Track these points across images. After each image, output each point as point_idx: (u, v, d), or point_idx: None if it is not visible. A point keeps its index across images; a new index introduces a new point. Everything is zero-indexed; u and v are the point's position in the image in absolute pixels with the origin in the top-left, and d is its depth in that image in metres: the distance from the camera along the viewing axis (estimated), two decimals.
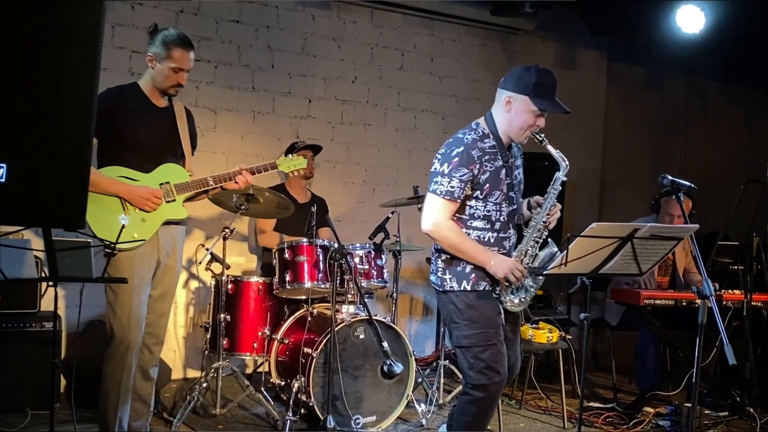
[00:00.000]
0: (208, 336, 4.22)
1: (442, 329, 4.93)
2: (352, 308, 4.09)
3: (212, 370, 4.04)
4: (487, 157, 2.97)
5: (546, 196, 3.05)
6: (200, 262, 4.22)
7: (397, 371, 3.91)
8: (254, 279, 4.27)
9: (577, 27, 6.23)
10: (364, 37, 5.57)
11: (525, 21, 5.88)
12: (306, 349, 3.89)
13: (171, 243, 3.36)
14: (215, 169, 3.74)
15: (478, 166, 2.94)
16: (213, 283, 4.25)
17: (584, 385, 3.43)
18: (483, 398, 3.02)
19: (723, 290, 4.45)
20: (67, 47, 1.92)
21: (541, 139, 3.02)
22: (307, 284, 4.04)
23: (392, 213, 4.46)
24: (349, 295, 4.10)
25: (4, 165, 1.90)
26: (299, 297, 4.31)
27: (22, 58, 1.89)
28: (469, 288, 2.99)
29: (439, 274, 3.07)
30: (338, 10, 5.45)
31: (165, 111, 3.35)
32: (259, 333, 4.21)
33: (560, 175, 3.03)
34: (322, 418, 3.73)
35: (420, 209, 4.42)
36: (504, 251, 3.06)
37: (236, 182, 3.38)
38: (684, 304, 4.40)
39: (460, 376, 3.24)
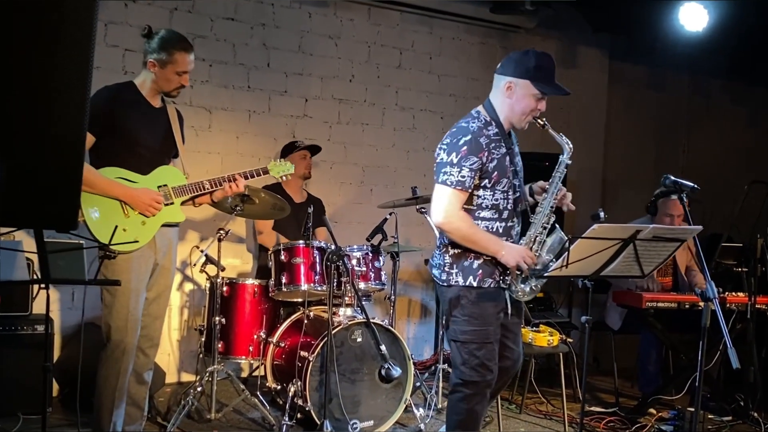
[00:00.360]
0: (203, 339, 4.19)
1: (441, 332, 4.87)
2: (349, 311, 4.06)
3: (207, 374, 4.00)
4: (493, 145, 2.93)
5: (551, 180, 3.02)
6: (195, 264, 4.19)
7: (395, 375, 3.87)
8: (250, 281, 4.23)
9: (578, 25, 6.16)
10: (361, 35, 5.51)
11: (525, 19, 5.83)
12: (302, 353, 3.85)
13: (167, 244, 3.35)
14: (210, 169, 3.71)
15: (486, 153, 2.89)
16: (208, 285, 4.23)
17: (585, 389, 3.40)
18: (472, 395, 3.00)
19: (727, 293, 4.40)
20: (59, 45, 1.88)
21: (543, 123, 2.99)
22: (304, 286, 4.01)
23: (390, 214, 4.41)
24: (347, 298, 4.07)
25: None
26: (296, 299, 4.28)
27: (13, 56, 1.85)
28: (475, 284, 2.94)
29: (446, 269, 3.00)
30: (335, 7, 5.39)
31: (160, 112, 3.33)
32: (255, 336, 4.17)
33: (564, 159, 3.01)
34: (318, 422, 3.70)
35: (419, 210, 4.45)
36: (512, 240, 3.02)
37: (224, 188, 3.34)
38: (687, 306, 4.39)
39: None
